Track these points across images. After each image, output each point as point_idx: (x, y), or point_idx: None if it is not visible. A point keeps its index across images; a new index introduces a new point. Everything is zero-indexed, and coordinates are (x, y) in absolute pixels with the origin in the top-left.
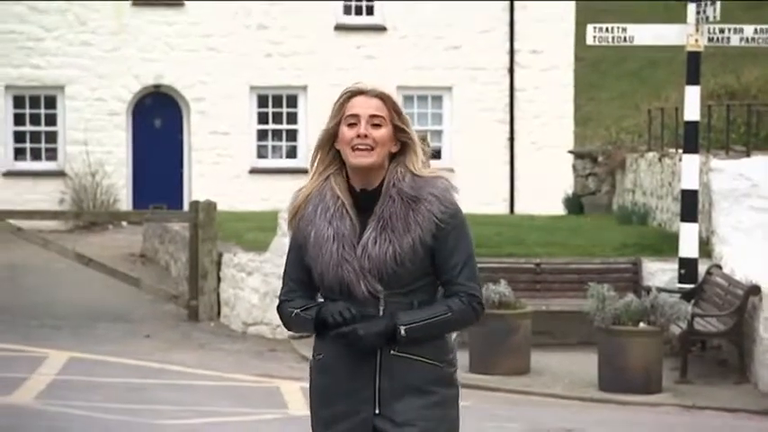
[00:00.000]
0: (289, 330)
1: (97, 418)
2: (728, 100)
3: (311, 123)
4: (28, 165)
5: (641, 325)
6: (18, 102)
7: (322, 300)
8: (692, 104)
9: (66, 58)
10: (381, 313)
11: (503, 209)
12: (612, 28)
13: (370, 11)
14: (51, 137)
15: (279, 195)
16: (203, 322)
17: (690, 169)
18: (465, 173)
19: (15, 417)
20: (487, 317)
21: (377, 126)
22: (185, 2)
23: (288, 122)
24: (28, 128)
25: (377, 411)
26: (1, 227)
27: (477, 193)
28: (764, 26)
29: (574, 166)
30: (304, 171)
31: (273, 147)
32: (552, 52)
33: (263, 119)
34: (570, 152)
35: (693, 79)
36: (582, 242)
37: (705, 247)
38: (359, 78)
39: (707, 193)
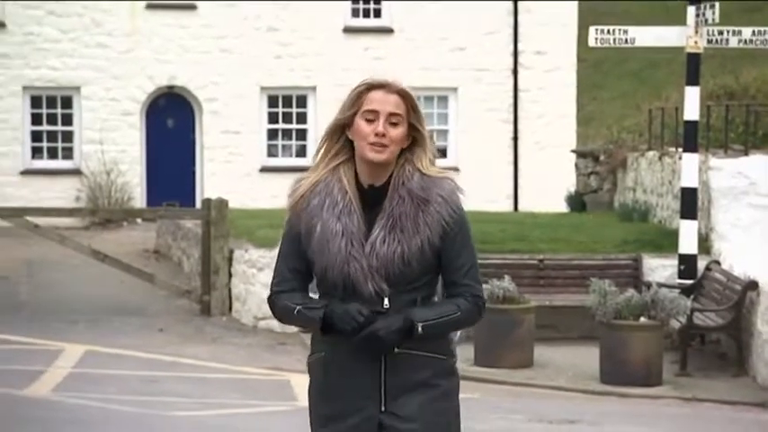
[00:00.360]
0: (280, 322)
1: (112, 410)
2: (727, 100)
3: (320, 123)
4: (45, 163)
5: (642, 319)
6: (35, 102)
7: (312, 294)
8: (692, 104)
9: (81, 59)
10: (386, 309)
11: (507, 206)
12: (614, 30)
13: (377, 13)
14: (67, 136)
15: None
16: (215, 317)
17: (689, 168)
18: (470, 171)
19: (33, 408)
20: (492, 312)
21: (394, 125)
22: (198, 3)
23: (297, 122)
24: (45, 127)
25: (383, 409)
26: (19, 224)
27: (482, 191)
28: (762, 28)
29: (576, 165)
30: None
31: (283, 146)
32: (555, 54)
33: (273, 119)
34: (573, 151)
35: (693, 80)
36: (584, 239)
37: (704, 243)
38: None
39: (706, 191)
